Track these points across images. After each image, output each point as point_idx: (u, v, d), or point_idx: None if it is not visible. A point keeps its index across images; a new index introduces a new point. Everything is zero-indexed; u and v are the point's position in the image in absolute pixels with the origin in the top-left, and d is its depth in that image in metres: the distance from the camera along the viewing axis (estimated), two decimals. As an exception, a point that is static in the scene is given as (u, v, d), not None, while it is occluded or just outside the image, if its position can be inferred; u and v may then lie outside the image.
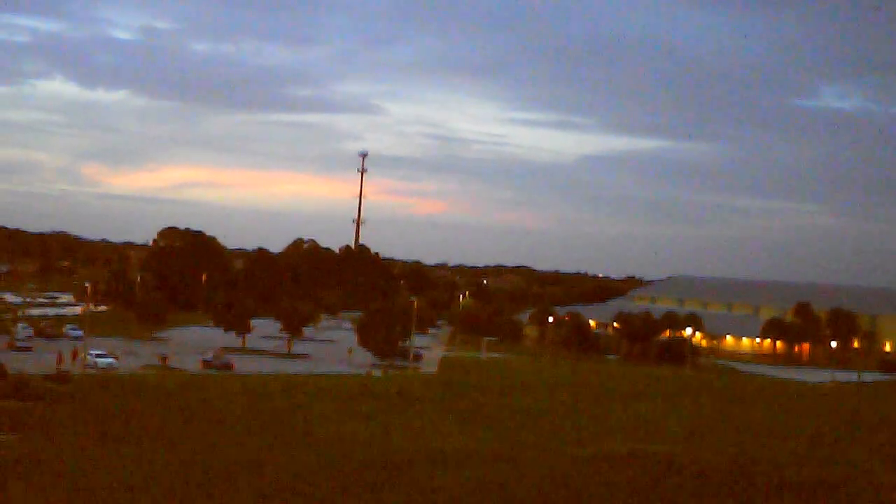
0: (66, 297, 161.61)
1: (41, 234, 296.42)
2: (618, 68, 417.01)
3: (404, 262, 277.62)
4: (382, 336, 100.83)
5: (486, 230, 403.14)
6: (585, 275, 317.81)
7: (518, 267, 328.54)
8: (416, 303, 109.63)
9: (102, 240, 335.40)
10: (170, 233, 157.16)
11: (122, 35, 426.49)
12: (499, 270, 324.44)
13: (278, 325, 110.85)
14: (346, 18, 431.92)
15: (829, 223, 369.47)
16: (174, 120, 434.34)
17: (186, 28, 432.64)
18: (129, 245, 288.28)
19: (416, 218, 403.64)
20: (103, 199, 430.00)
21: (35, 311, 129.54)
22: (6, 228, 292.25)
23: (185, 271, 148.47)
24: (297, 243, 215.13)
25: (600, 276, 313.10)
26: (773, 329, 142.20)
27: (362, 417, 57.49)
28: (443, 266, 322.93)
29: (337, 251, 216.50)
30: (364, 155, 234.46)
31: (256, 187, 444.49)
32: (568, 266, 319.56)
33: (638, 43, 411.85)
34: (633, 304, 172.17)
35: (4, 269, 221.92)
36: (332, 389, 73.46)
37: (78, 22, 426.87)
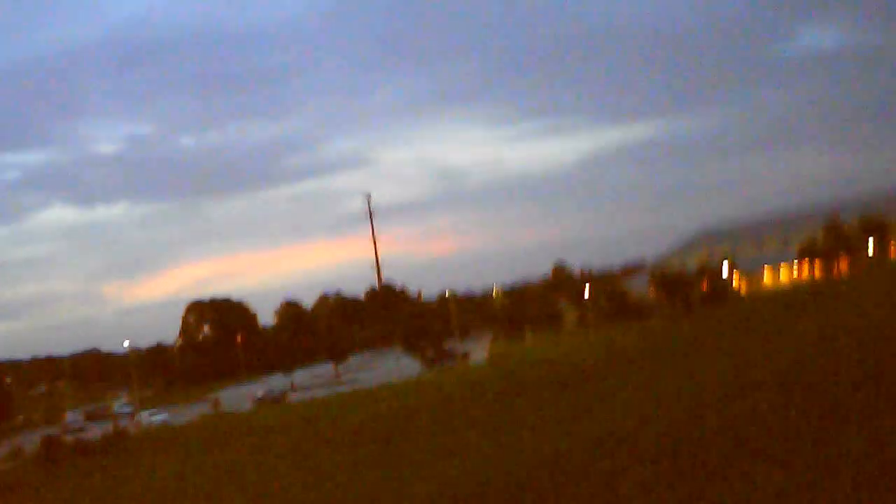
0: (107, 397, 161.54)
1: (73, 356, 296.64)
2: (596, 59, 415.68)
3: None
4: (428, 341, 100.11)
5: (503, 253, 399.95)
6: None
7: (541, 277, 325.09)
8: (453, 298, 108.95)
9: (133, 349, 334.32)
10: (197, 306, 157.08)
11: (108, 149, 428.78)
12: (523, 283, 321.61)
13: (319, 370, 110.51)
14: (321, 79, 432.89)
15: (829, 160, 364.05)
16: (178, 219, 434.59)
17: (169, 127, 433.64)
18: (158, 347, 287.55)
19: (431, 258, 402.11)
20: (126, 312, 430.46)
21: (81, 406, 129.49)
22: (37, 358, 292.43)
23: (219, 338, 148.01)
24: (323, 299, 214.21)
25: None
26: (806, 253, 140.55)
27: (420, 403, 56.86)
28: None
29: (363, 297, 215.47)
30: (369, 195, 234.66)
31: (270, 266, 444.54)
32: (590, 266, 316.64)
33: (610, 29, 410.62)
34: (664, 264, 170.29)
35: (42, 390, 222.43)
36: (388, 390, 72.97)
37: (63, 146, 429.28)
